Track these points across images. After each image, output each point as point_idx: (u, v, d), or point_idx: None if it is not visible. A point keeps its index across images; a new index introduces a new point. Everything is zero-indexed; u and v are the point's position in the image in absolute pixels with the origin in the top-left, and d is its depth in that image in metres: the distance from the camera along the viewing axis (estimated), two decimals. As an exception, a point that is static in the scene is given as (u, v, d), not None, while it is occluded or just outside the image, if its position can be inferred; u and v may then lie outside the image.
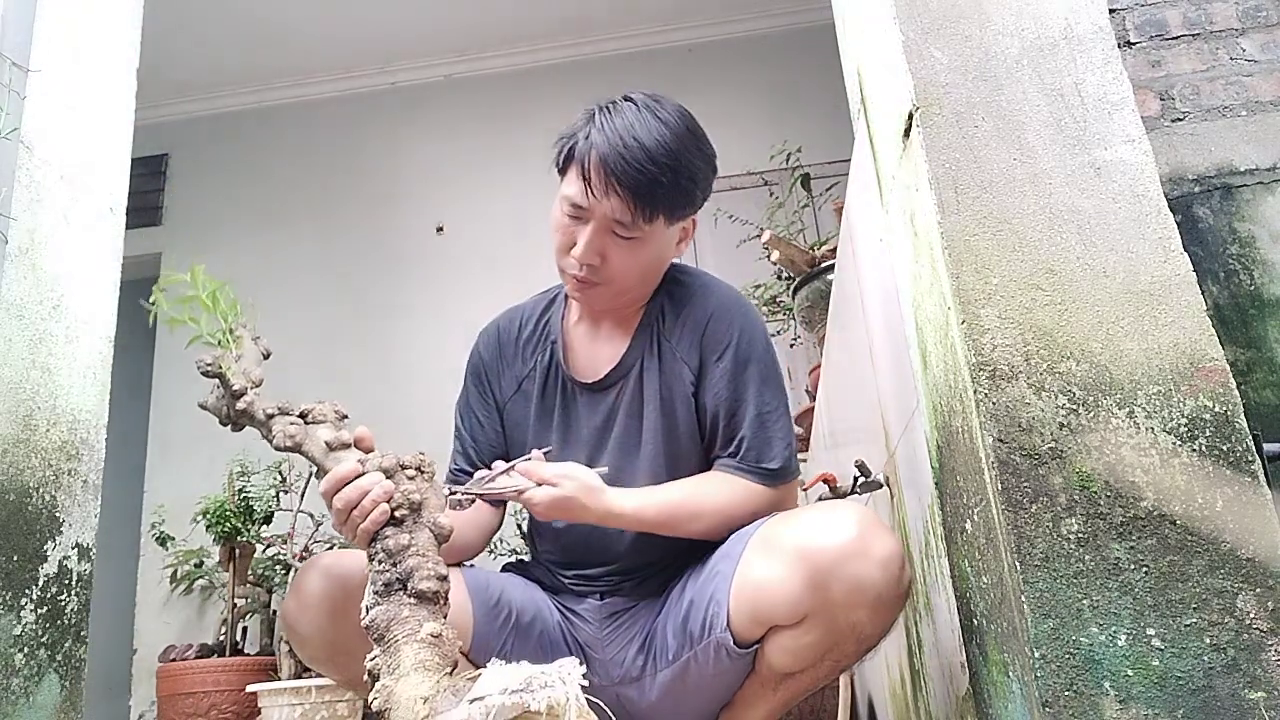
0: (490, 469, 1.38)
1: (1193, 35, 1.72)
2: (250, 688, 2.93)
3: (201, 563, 3.95)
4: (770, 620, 1.26)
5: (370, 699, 0.97)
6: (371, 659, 1.01)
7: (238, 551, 3.54)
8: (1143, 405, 1.02)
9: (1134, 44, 1.73)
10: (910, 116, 1.19)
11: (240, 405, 1.15)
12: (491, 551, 3.28)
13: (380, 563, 1.06)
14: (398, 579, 1.04)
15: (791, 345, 3.33)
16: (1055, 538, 0.99)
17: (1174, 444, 1.00)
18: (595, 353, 1.47)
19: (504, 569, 1.56)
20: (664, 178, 1.32)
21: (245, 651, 3.61)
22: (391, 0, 4.57)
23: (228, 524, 3.44)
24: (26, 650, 1.35)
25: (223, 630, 3.61)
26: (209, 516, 3.46)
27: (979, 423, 1.04)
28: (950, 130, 1.16)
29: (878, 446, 1.86)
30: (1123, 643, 0.95)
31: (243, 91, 5.04)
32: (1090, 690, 0.94)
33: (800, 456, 3.11)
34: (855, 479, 1.83)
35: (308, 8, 4.56)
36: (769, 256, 3.03)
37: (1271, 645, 0.94)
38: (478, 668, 1.33)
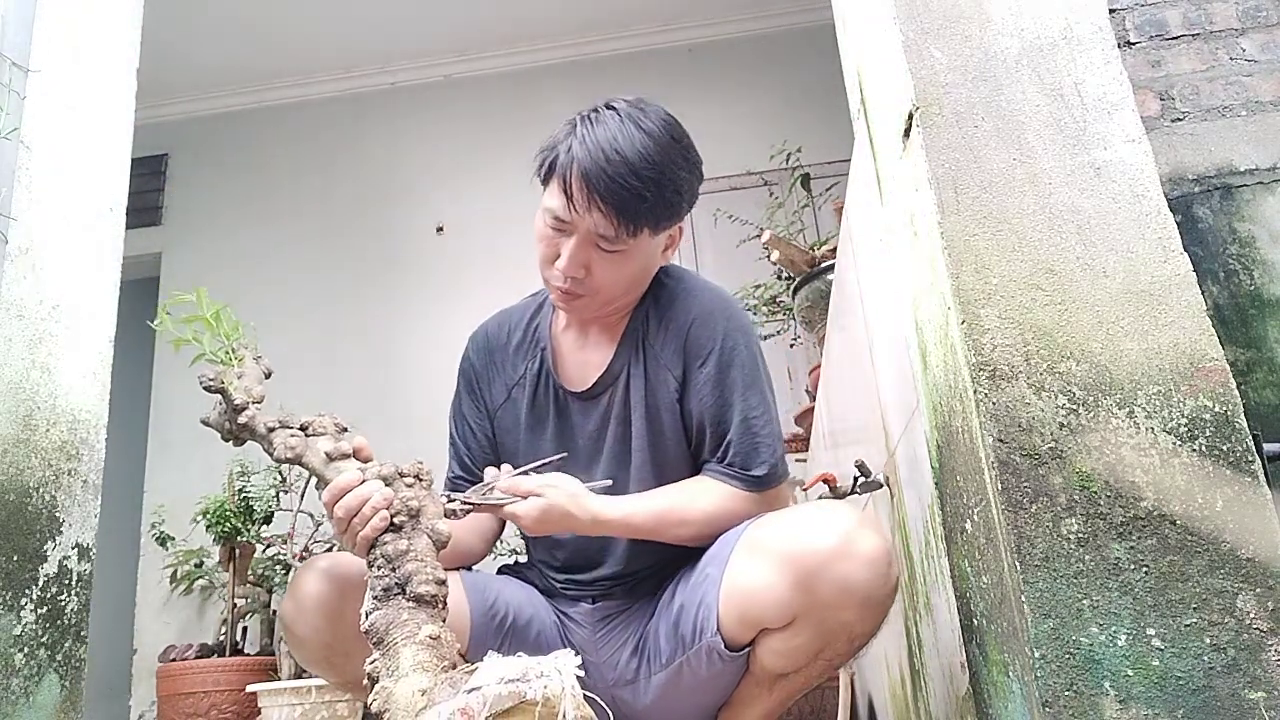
0: (480, 477, 1.39)
1: (1193, 35, 1.72)
2: (250, 688, 2.93)
3: (201, 563, 3.95)
4: (759, 623, 1.26)
5: (369, 701, 0.98)
6: (371, 662, 1.02)
7: (238, 551, 3.54)
8: (1143, 405, 1.02)
9: (1134, 44, 1.73)
10: (910, 116, 1.19)
11: (241, 419, 1.17)
12: (492, 552, 3.28)
13: (379, 568, 1.08)
14: (397, 583, 1.06)
15: (791, 345, 3.34)
16: (1055, 538, 0.99)
17: (1174, 444, 1.00)
18: (583, 360, 1.46)
19: (500, 571, 1.57)
20: (648, 191, 1.29)
21: (245, 651, 3.61)
22: (391, 0, 4.57)
23: (228, 524, 3.44)
24: (26, 650, 1.35)
25: (223, 630, 3.62)
26: (209, 516, 3.46)
27: (979, 423, 1.04)
28: (950, 130, 1.16)
29: (878, 446, 1.86)
30: (1123, 643, 0.95)
31: (243, 91, 5.04)
32: (1090, 690, 0.94)
33: (800, 456, 3.12)
34: (855, 479, 1.83)
35: (308, 8, 4.56)
36: (769, 256, 3.03)
37: (1271, 645, 0.94)
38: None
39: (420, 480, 1.15)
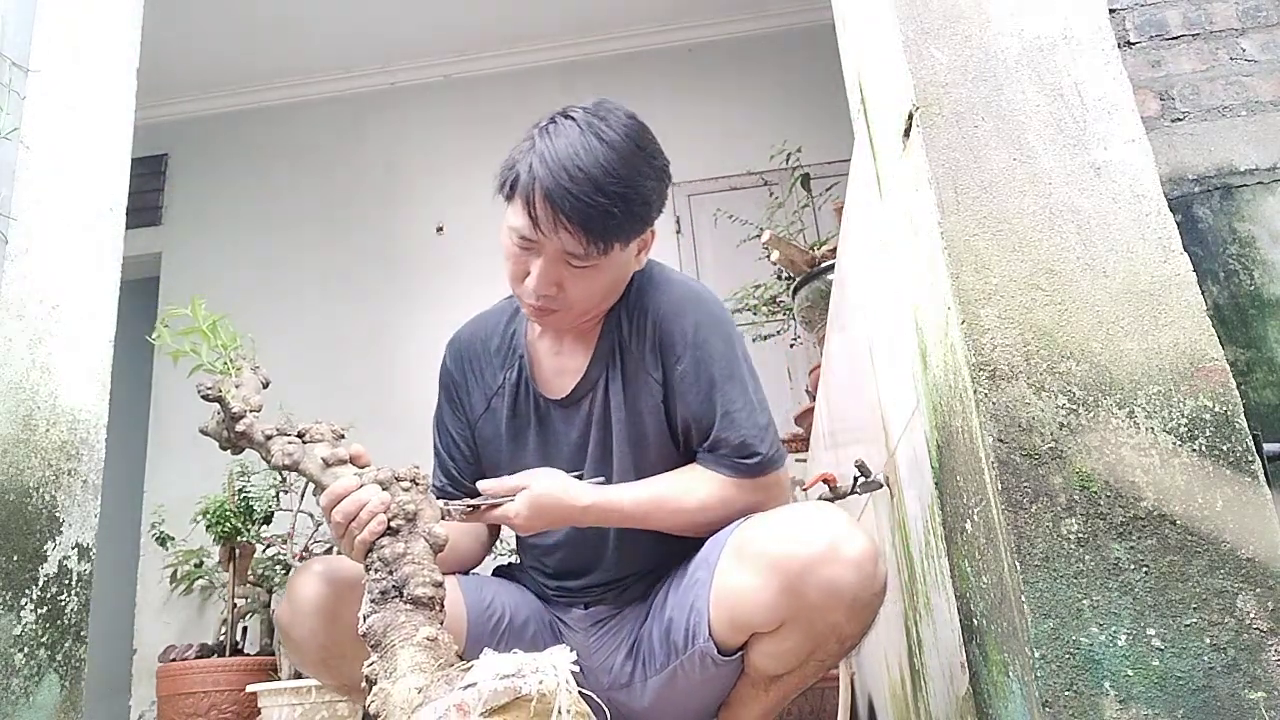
0: (466, 486, 1.41)
1: (1193, 35, 1.72)
2: (250, 688, 2.92)
3: (201, 563, 3.95)
4: (749, 628, 1.26)
5: (367, 703, 0.98)
6: (369, 665, 1.02)
7: (238, 551, 3.54)
8: (1143, 405, 1.02)
9: (1134, 44, 1.73)
10: (910, 116, 1.19)
11: (239, 428, 1.18)
12: (491, 551, 3.28)
13: (377, 571, 1.08)
14: (394, 586, 1.06)
15: (791, 345, 3.34)
16: (1055, 538, 0.99)
17: (1174, 444, 1.00)
18: (560, 367, 1.44)
19: (495, 571, 1.56)
20: (615, 208, 1.24)
21: (245, 651, 3.61)
22: (391, 0, 4.57)
23: (228, 524, 3.44)
24: (26, 650, 1.35)
25: (223, 630, 3.62)
26: (209, 516, 3.46)
27: (979, 423, 1.04)
28: (950, 130, 1.16)
29: (878, 446, 1.86)
30: (1123, 643, 0.95)
31: (243, 91, 5.04)
32: (1090, 690, 0.94)
33: (800, 456, 3.11)
34: (855, 479, 1.83)
35: (308, 8, 4.56)
36: (769, 256, 3.03)
37: (1271, 645, 0.94)
38: None
39: (416, 484, 1.15)
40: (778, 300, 3.28)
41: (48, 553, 1.41)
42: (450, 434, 1.50)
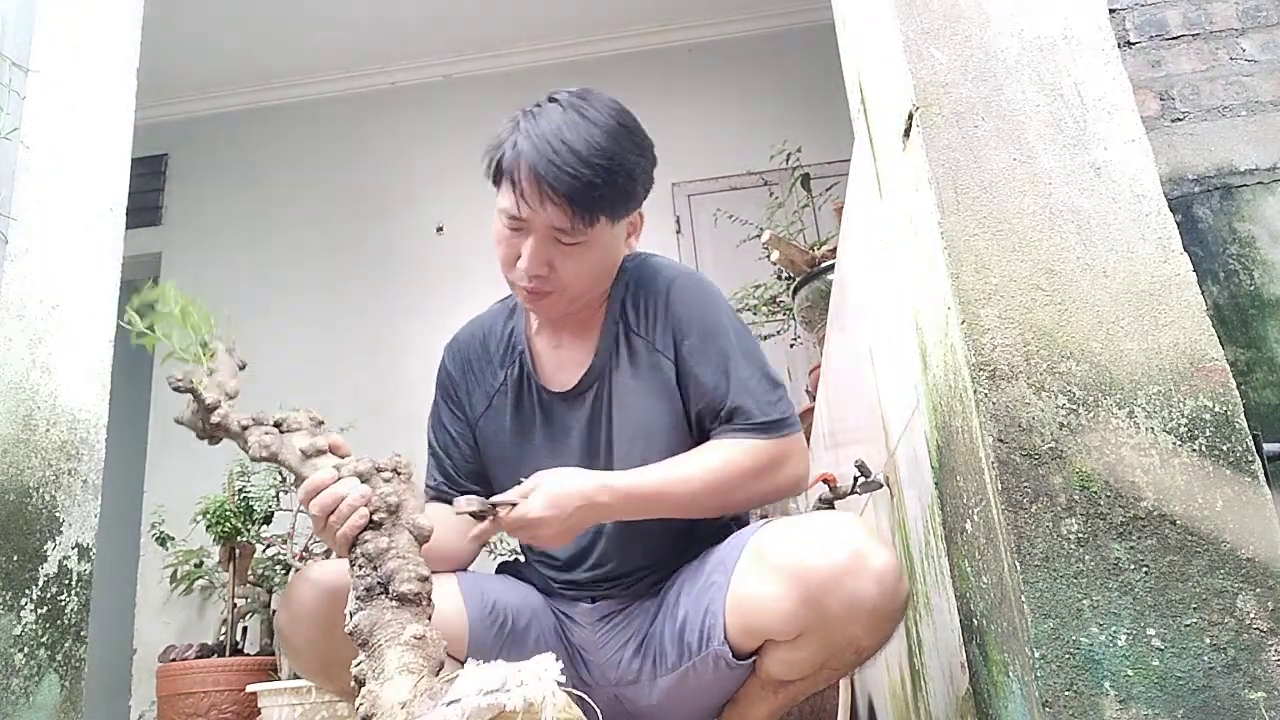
0: (463, 484, 1.41)
1: (1193, 35, 1.72)
2: (250, 688, 2.93)
3: (201, 563, 3.95)
4: (765, 635, 1.25)
5: (357, 704, 0.97)
6: (357, 664, 1.01)
7: (238, 551, 3.54)
8: (1143, 405, 1.02)
9: (1134, 44, 1.73)
10: (910, 116, 1.19)
11: (214, 419, 1.14)
12: (491, 550, 3.28)
13: (361, 567, 1.05)
14: (379, 582, 1.03)
15: (791, 345, 3.33)
16: (1055, 538, 0.99)
17: (1174, 444, 1.00)
18: (562, 360, 1.44)
19: (499, 569, 1.56)
20: (599, 179, 1.26)
21: (245, 651, 3.61)
22: (391, 0, 4.57)
23: (228, 524, 3.44)
24: (26, 650, 1.35)
25: (223, 630, 3.62)
26: (209, 516, 3.46)
27: (979, 423, 1.04)
28: (950, 130, 1.16)
29: (878, 446, 1.86)
30: (1123, 643, 0.95)
31: (243, 91, 5.04)
32: (1090, 690, 0.94)
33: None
34: (855, 479, 1.83)
35: (308, 8, 4.56)
36: (769, 256, 3.03)
37: (1271, 645, 0.94)
38: None
39: (399, 474, 1.11)
40: (778, 300, 3.28)
41: (48, 553, 1.41)
42: (449, 433, 1.49)
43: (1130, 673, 0.94)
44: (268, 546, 3.69)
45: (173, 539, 3.87)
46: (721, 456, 1.31)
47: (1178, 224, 1.09)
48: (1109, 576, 0.97)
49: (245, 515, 3.49)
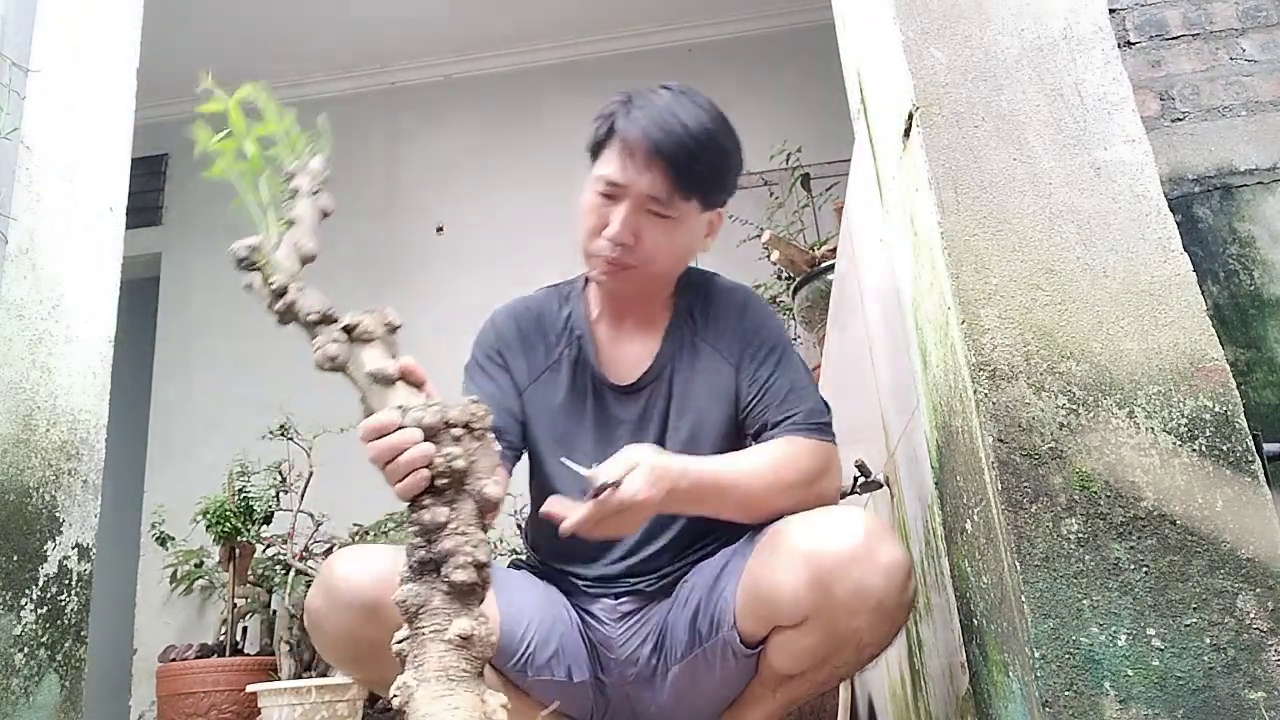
0: (506, 437, 1.36)
1: (1193, 35, 1.72)
2: (250, 688, 2.93)
3: (201, 563, 3.95)
4: (773, 619, 1.26)
5: (393, 690, 0.90)
6: (399, 639, 0.91)
7: (238, 551, 3.54)
8: (1143, 405, 1.02)
9: (1134, 44, 1.73)
10: (910, 116, 1.19)
11: (280, 306, 1.00)
12: (493, 551, 3.27)
13: (416, 535, 0.93)
14: (432, 560, 0.91)
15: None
16: (1055, 538, 0.99)
17: (1174, 444, 1.00)
18: (622, 353, 1.46)
19: (512, 566, 1.55)
20: (702, 155, 1.34)
21: (245, 651, 3.61)
22: (391, 0, 4.57)
23: (228, 524, 3.44)
24: (26, 650, 1.35)
25: (223, 630, 3.62)
26: (209, 516, 3.46)
27: (979, 423, 1.04)
28: (950, 130, 1.16)
29: (878, 446, 1.86)
30: (1123, 643, 0.95)
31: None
32: (1090, 690, 0.94)
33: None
34: (855, 479, 1.83)
35: (308, 8, 4.56)
36: (769, 256, 3.03)
37: (1271, 645, 0.94)
38: (497, 670, 1.32)
39: (471, 431, 0.94)
40: (778, 300, 3.28)
41: (48, 553, 1.41)
42: (494, 382, 1.46)
43: (1130, 673, 0.94)
44: (268, 546, 3.69)
45: (173, 539, 3.87)
46: (788, 451, 1.33)
47: (1178, 224, 1.09)
48: (1109, 576, 0.97)
49: (245, 515, 3.49)
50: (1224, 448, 1.00)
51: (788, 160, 3.38)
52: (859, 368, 1.96)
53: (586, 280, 1.53)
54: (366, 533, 3.69)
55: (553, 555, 1.48)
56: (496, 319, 1.53)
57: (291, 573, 3.66)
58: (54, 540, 1.42)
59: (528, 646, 1.34)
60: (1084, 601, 0.97)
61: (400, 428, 0.94)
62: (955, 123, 1.16)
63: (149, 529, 4.00)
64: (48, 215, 1.52)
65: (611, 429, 1.43)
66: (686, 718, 1.40)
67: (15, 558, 1.36)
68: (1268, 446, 1.16)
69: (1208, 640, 0.94)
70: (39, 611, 1.38)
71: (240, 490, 3.54)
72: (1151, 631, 0.95)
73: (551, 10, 4.73)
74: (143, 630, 4.23)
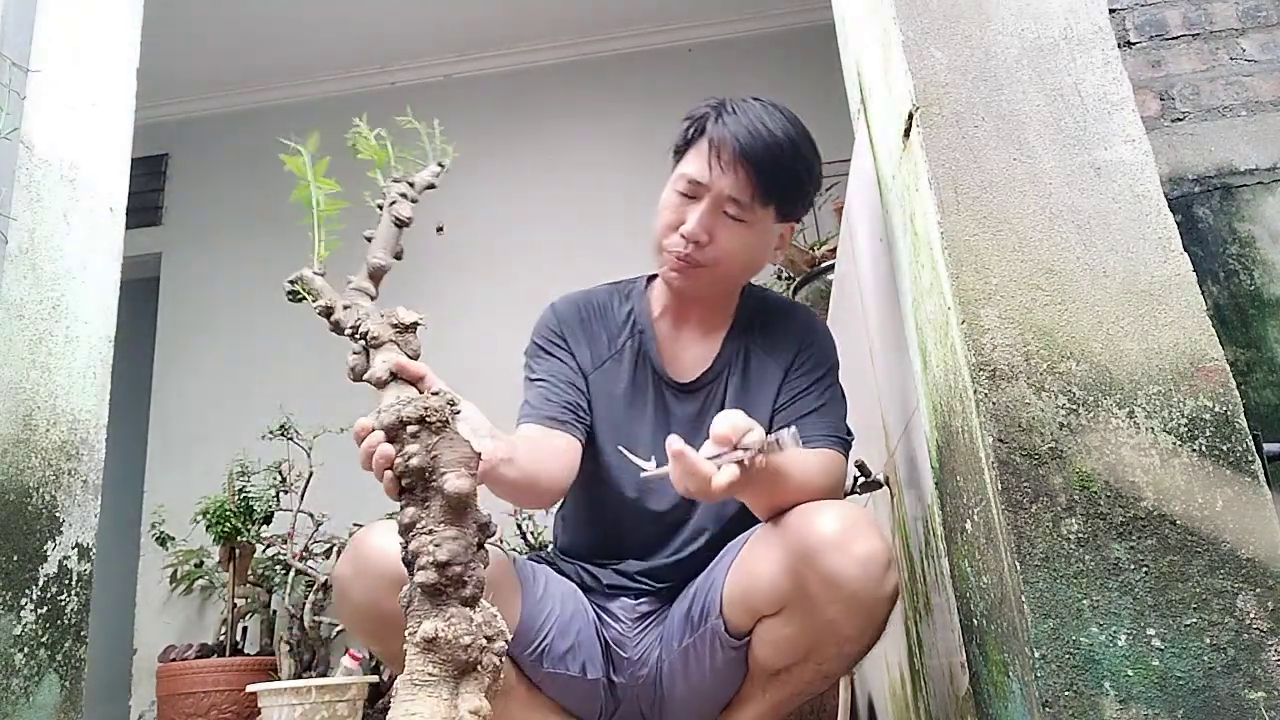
0: (561, 412, 1.37)
1: (1193, 35, 1.72)
2: (250, 688, 2.93)
3: (201, 563, 3.95)
4: (753, 606, 1.27)
5: (396, 684, 0.90)
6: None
7: (238, 551, 3.54)
8: (1143, 405, 1.02)
9: (1134, 44, 1.73)
10: (910, 116, 1.19)
11: (330, 325, 1.04)
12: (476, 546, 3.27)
13: (400, 535, 0.93)
14: (406, 560, 0.91)
15: (791, 345, 3.33)
16: (1055, 538, 0.99)
17: (1174, 444, 1.00)
18: (682, 352, 1.49)
19: (535, 560, 1.55)
20: (786, 163, 1.38)
21: (245, 651, 3.61)
22: (391, 0, 4.57)
23: (228, 524, 3.44)
24: (26, 650, 1.35)
25: (223, 630, 3.62)
26: (209, 516, 3.46)
27: (979, 423, 1.04)
28: (950, 130, 1.16)
29: (878, 446, 1.86)
30: (1123, 643, 0.95)
31: (243, 91, 5.04)
32: (1090, 690, 0.94)
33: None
34: (855, 479, 1.83)
35: (308, 8, 4.56)
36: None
37: (1271, 645, 0.94)
38: (514, 660, 1.31)
39: (427, 425, 0.92)
40: (778, 300, 3.27)
41: (48, 553, 1.41)
42: (559, 362, 1.47)
43: (1130, 673, 0.94)
44: (268, 546, 3.69)
45: (173, 539, 3.87)
46: (831, 460, 1.37)
47: (1178, 224, 1.09)
48: (1109, 576, 0.97)
49: (245, 515, 3.49)
50: (1224, 448, 1.00)
51: (788, 160, 3.37)
52: (859, 368, 1.96)
53: (649, 280, 1.56)
54: (366, 533, 3.68)
55: (579, 549, 1.49)
56: (558, 306, 1.55)
57: (291, 573, 3.66)
58: (54, 540, 1.42)
59: (546, 637, 1.34)
60: (1084, 601, 0.97)
61: (373, 430, 0.95)
62: (955, 123, 1.16)
63: (149, 529, 4.00)
64: (48, 215, 1.52)
65: (668, 425, 1.44)
66: (686, 719, 1.40)
67: (15, 558, 1.36)
68: (1268, 446, 1.16)
69: (1208, 640, 0.94)
70: (39, 611, 1.38)
71: (240, 490, 3.54)
72: (1151, 631, 0.95)
73: (551, 10, 4.73)
74: (143, 630, 4.23)
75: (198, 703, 3.30)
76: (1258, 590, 0.95)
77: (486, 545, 0.95)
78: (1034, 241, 1.10)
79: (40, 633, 1.37)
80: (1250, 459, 0.99)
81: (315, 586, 3.65)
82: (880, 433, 1.83)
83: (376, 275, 1.12)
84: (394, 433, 0.93)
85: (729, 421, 1.14)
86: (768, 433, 1.41)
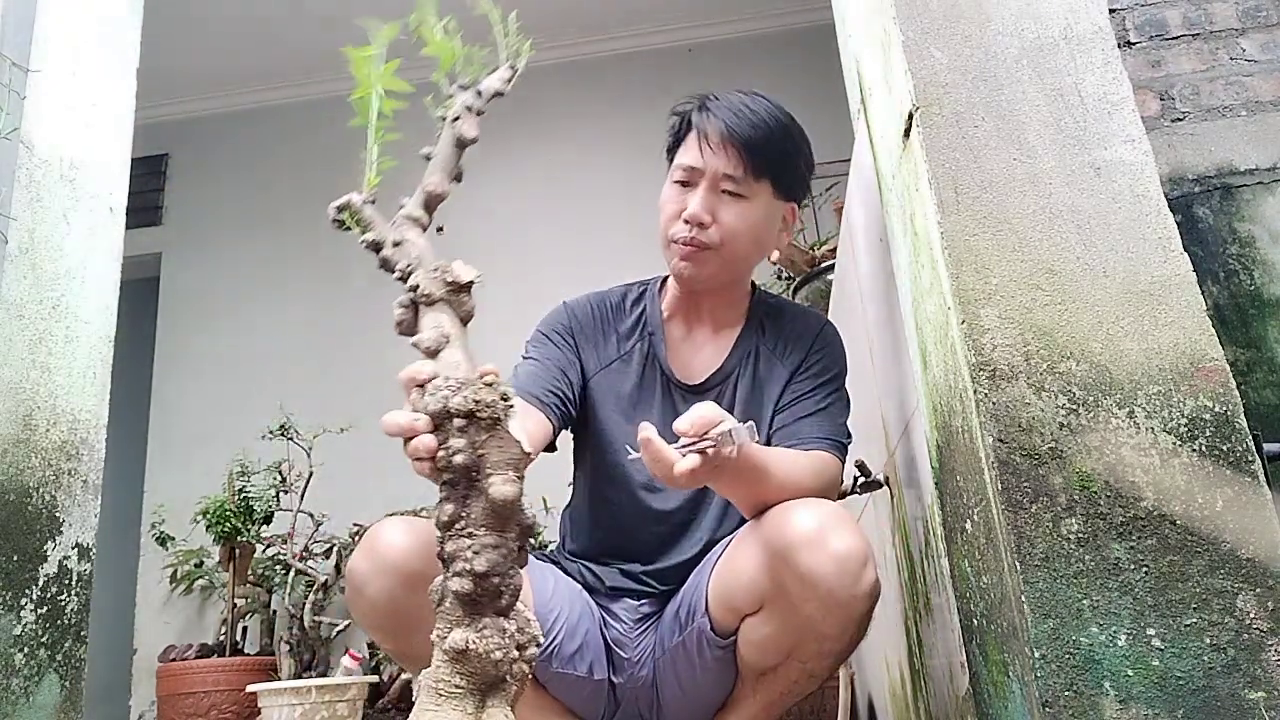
0: (545, 396, 1.36)
1: (1193, 35, 1.72)
2: (250, 688, 2.93)
3: (201, 563, 3.95)
4: (735, 604, 1.28)
5: (419, 678, 0.86)
6: (434, 631, 0.86)
7: (238, 551, 3.54)
8: (1143, 405, 1.02)
9: (1134, 44, 1.73)
10: (910, 116, 1.19)
11: (378, 262, 0.96)
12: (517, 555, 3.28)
13: (436, 527, 0.87)
14: (443, 559, 0.85)
15: (791, 345, 3.33)
16: (1055, 538, 0.99)
17: (1174, 444, 1.00)
18: (692, 353, 1.50)
19: (540, 560, 1.55)
20: (772, 138, 1.42)
21: (245, 651, 3.61)
22: (391, 1, 4.57)
23: (228, 524, 3.44)
24: (26, 650, 1.35)
25: (223, 630, 3.62)
26: (209, 516, 3.46)
27: (979, 423, 1.04)
28: (950, 130, 1.16)
29: (878, 446, 1.86)
30: (1123, 643, 0.95)
31: (243, 91, 5.04)
32: (1090, 690, 0.94)
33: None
34: (855, 479, 1.83)
35: (308, 8, 4.56)
36: (769, 256, 3.03)
37: (1271, 645, 0.94)
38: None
39: (476, 420, 0.84)
40: (777, 300, 3.27)
41: (48, 553, 1.41)
42: (560, 351, 1.47)
43: (1130, 673, 0.94)
44: (268, 546, 3.69)
45: (173, 539, 3.87)
46: (823, 461, 1.36)
47: (1178, 224, 1.09)
48: (1109, 576, 0.97)
49: (245, 515, 3.49)
50: (1224, 448, 1.00)
51: (788, 160, 3.37)
52: (859, 368, 1.96)
53: (662, 283, 1.56)
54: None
55: (585, 549, 1.48)
56: (570, 303, 1.56)
57: (291, 573, 3.66)
58: (54, 540, 1.42)
59: (556, 637, 1.34)
60: (1084, 601, 0.97)
61: (415, 414, 0.89)
62: (955, 123, 1.16)
63: (149, 529, 4.00)
64: (48, 215, 1.52)
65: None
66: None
67: (15, 558, 1.36)
68: (1268, 446, 1.16)
69: (1208, 640, 0.94)
70: (39, 611, 1.38)
71: (240, 490, 3.54)
72: (1151, 631, 0.95)
73: (551, 10, 4.73)
74: (143, 630, 4.23)
75: (198, 703, 3.30)
76: (1258, 590, 0.95)
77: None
78: (1034, 241, 1.10)
79: (40, 633, 1.37)
80: (1250, 459, 0.99)
81: (315, 586, 3.65)
82: (880, 433, 1.83)
83: (432, 203, 1.01)
84: (439, 420, 0.86)
85: (695, 414, 1.13)
86: (766, 434, 1.42)
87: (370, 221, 0.98)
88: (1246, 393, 1.45)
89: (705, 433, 1.12)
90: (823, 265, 2.79)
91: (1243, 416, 1.01)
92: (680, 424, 1.13)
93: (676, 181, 1.44)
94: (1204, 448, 1.00)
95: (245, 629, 3.71)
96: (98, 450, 1.53)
